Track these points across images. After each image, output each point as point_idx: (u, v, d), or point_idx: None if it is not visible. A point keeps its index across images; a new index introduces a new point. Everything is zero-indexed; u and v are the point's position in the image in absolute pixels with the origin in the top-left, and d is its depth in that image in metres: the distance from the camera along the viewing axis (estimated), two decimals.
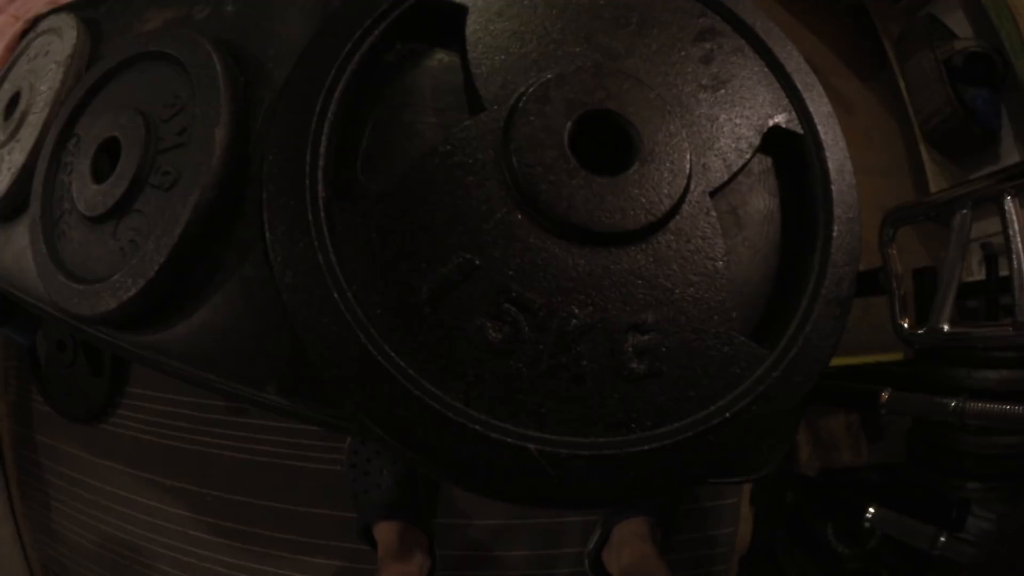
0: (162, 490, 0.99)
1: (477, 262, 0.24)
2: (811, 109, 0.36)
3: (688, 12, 0.34)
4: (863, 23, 1.12)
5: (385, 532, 0.73)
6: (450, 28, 0.30)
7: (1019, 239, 0.52)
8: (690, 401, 0.27)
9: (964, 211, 0.58)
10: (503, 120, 0.27)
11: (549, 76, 0.28)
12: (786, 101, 0.36)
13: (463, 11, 0.30)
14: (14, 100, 0.44)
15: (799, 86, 0.36)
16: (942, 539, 0.57)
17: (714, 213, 0.30)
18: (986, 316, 0.71)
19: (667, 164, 0.28)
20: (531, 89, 0.27)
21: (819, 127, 0.36)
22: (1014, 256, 0.52)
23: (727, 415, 0.27)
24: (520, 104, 0.26)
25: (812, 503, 0.90)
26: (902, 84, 1.02)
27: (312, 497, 0.91)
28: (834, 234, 0.34)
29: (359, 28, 0.29)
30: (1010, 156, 0.82)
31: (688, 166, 0.28)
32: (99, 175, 0.36)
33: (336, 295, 0.24)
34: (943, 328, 0.60)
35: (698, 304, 0.28)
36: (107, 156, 0.37)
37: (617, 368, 0.25)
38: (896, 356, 0.89)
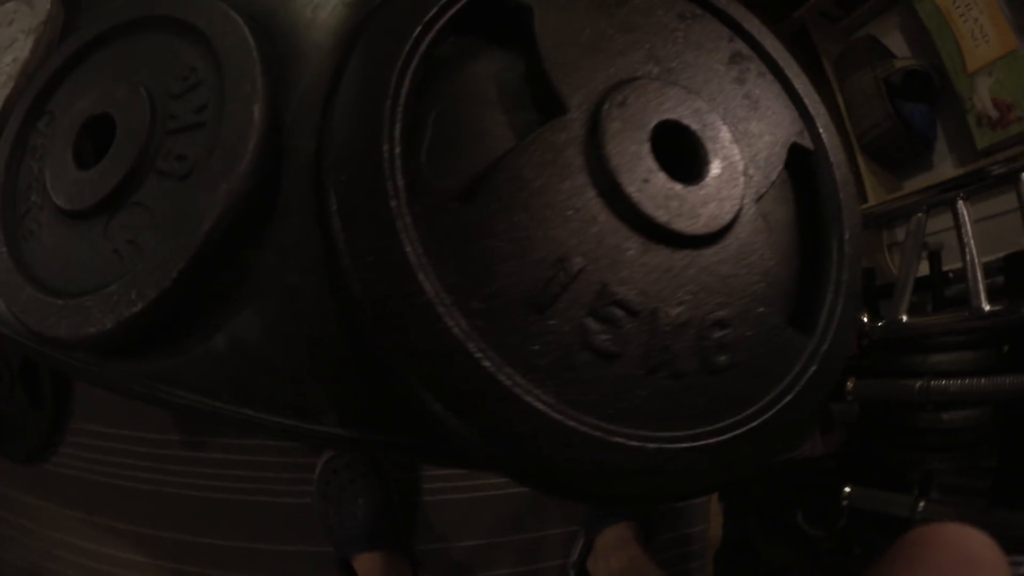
0: (116, 535, 0.91)
1: (581, 264, 0.25)
2: (820, 129, 0.41)
3: (720, 36, 0.37)
4: (803, 43, 1.22)
5: (367, 564, 0.71)
6: (506, 25, 0.30)
7: (970, 235, 0.60)
8: (760, 389, 0.29)
9: (919, 214, 0.65)
10: (586, 122, 0.27)
11: (625, 81, 0.29)
12: (800, 121, 0.40)
13: (528, 11, 0.30)
14: None
15: (809, 108, 0.41)
16: (921, 504, 0.63)
17: (761, 218, 0.33)
18: (933, 308, 0.79)
19: (729, 174, 0.30)
20: (611, 93, 0.28)
21: (827, 145, 0.40)
22: (967, 250, 0.59)
23: (787, 399, 0.30)
24: (604, 107, 0.27)
25: (779, 493, 0.96)
26: (840, 100, 1.12)
27: (282, 533, 0.86)
28: (846, 237, 0.39)
29: (427, 13, 0.28)
30: (942, 163, 0.93)
31: (744, 177, 0.31)
32: (82, 160, 0.30)
33: (439, 305, 0.23)
34: (902, 319, 0.67)
35: (760, 300, 0.30)
36: (92, 140, 0.30)
37: (705, 362, 0.27)
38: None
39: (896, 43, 0.98)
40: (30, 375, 0.94)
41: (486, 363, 0.23)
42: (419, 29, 0.28)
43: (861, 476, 0.87)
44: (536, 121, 0.29)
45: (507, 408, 0.23)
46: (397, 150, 0.24)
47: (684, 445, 0.25)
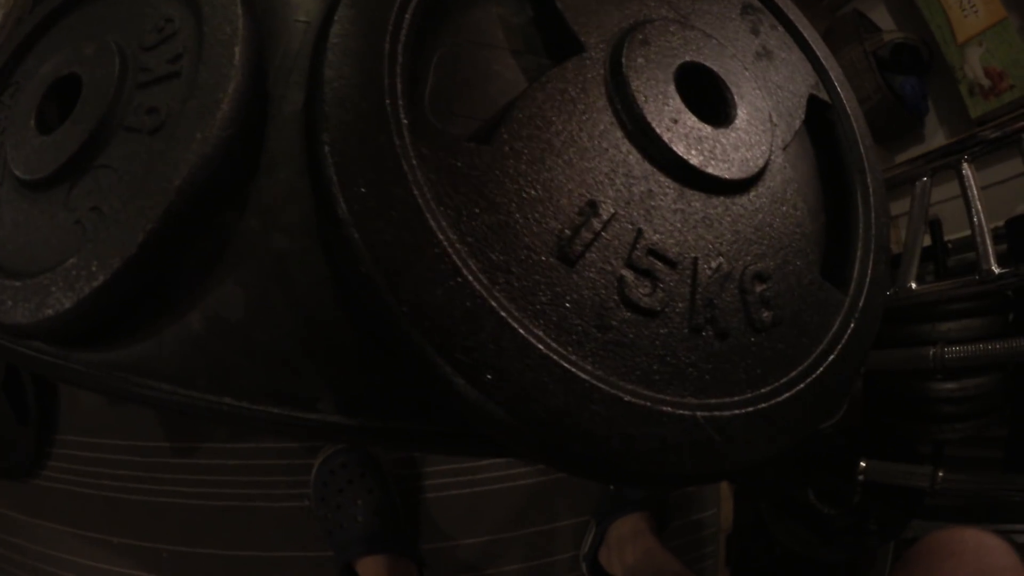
0: (110, 549, 0.87)
1: (613, 209, 0.23)
2: (833, 80, 0.39)
3: None
4: None
5: (370, 568, 0.68)
6: None
7: (977, 197, 0.59)
8: (804, 347, 0.27)
9: (924, 179, 0.64)
10: (607, 61, 0.25)
11: (642, 22, 0.27)
12: (815, 74, 0.38)
13: None
14: None
15: (821, 59, 0.39)
16: (940, 474, 0.61)
17: (790, 168, 0.31)
18: (936, 277, 0.78)
19: (757, 119, 0.28)
20: (631, 32, 0.26)
21: (843, 98, 0.39)
22: (974, 213, 0.58)
23: (831, 358, 0.28)
24: (625, 46, 0.25)
25: (789, 472, 0.94)
26: None
27: (280, 539, 0.83)
28: (871, 189, 0.37)
29: None
30: (934, 135, 0.93)
31: (771, 124, 0.29)
32: (46, 126, 0.27)
33: (456, 258, 0.20)
34: (911, 287, 0.66)
35: (796, 253, 0.28)
36: (57, 104, 0.27)
37: (749, 319, 0.25)
38: None
39: (882, 17, 0.98)
40: (14, 388, 0.90)
41: (514, 324, 0.20)
42: None
43: (871, 451, 0.86)
44: (549, 66, 0.26)
45: (541, 377, 0.19)
46: (399, 86, 0.21)
47: (735, 412, 0.22)
